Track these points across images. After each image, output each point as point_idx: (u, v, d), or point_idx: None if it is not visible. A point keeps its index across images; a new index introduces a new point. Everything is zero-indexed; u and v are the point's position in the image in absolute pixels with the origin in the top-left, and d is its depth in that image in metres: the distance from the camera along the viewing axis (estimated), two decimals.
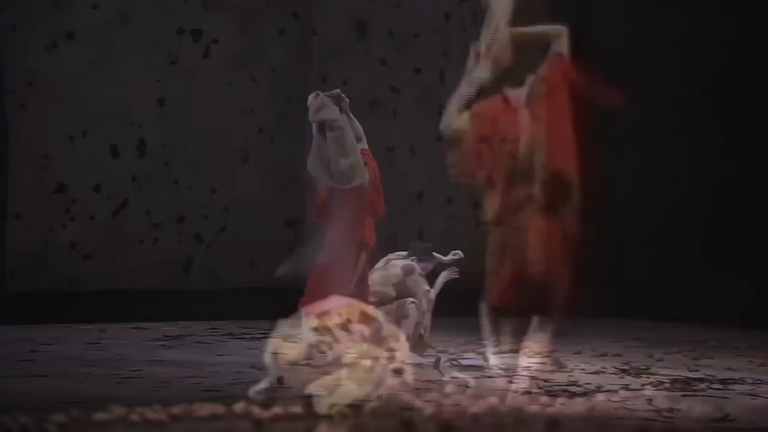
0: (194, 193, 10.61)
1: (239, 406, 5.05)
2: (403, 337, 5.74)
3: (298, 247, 9.50)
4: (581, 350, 8.05)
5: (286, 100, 10.83)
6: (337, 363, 5.54)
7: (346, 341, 5.57)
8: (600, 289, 10.66)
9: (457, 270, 7.78)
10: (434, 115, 11.35)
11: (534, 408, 5.41)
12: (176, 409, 4.95)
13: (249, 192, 10.76)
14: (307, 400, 5.29)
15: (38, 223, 10.16)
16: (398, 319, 7.58)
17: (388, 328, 5.67)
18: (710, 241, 10.52)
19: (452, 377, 5.80)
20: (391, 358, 5.45)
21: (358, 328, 5.63)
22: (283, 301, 10.54)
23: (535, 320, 5.71)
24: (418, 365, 6.70)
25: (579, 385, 6.53)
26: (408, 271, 7.74)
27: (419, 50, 11.32)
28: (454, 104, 5.84)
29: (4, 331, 8.79)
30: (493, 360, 6.61)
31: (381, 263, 7.92)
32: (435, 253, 7.89)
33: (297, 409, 5.12)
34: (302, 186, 10.91)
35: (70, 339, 8.50)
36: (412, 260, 7.80)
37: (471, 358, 7.67)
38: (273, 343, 5.60)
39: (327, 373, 5.48)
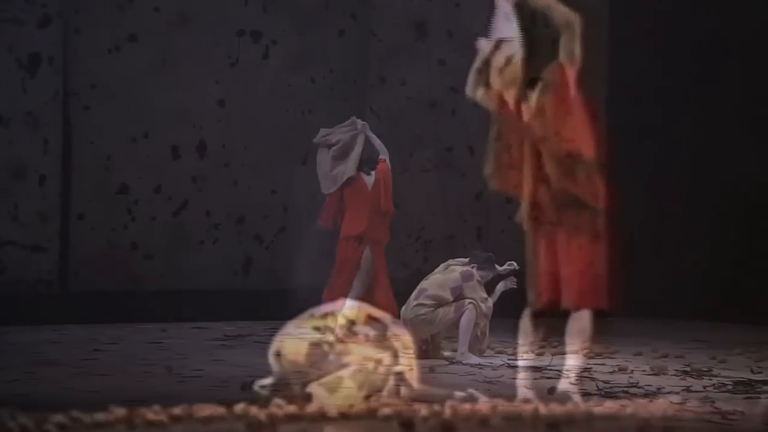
0: (253, 194, 10.71)
1: (239, 408, 5.06)
2: (410, 339, 5.76)
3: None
4: (642, 351, 7.98)
5: (345, 100, 10.95)
6: (339, 363, 5.53)
7: (349, 342, 5.60)
8: (660, 289, 10.63)
9: (515, 280, 7.80)
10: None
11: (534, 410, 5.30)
12: (177, 410, 4.97)
13: (308, 193, 10.75)
14: (308, 400, 5.33)
15: (101, 224, 10.31)
16: (456, 318, 7.63)
17: (394, 330, 5.68)
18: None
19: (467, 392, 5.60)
20: (396, 360, 5.49)
21: (362, 329, 5.66)
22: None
23: (574, 320, 5.66)
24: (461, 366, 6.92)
25: (639, 387, 6.49)
26: (466, 277, 7.78)
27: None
28: (472, 76, 5.85)
29: (69, 330, 8.91)
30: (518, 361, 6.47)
31: (441, 267, 7.99)
32: (496, 264, 7.94)
33: (296, 409, 5.14)
34: None
35: (132, 338, 8.60)
36: (472, 267, 7.84)
37: (529, 359, 7.62)
38: (277, 343, 5.66)
39: (328, 373, 5.49)
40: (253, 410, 5.01)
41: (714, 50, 10.93)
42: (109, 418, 4.84)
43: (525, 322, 5.74)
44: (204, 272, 10.43)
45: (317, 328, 5.66)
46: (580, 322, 5.62)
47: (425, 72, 11.14)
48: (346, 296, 8.06)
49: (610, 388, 6.40)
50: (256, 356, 7.65)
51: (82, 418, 4.80)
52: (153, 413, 4.92)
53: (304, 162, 10.85)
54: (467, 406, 5.26)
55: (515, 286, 7.75)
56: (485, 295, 7.73)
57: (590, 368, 7.12)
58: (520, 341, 5.77)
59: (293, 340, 5.69)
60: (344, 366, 5.45)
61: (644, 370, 7.21)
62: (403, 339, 5.62)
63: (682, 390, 6.43)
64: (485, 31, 11.32)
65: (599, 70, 11.67)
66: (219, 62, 10.60)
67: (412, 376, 5.51)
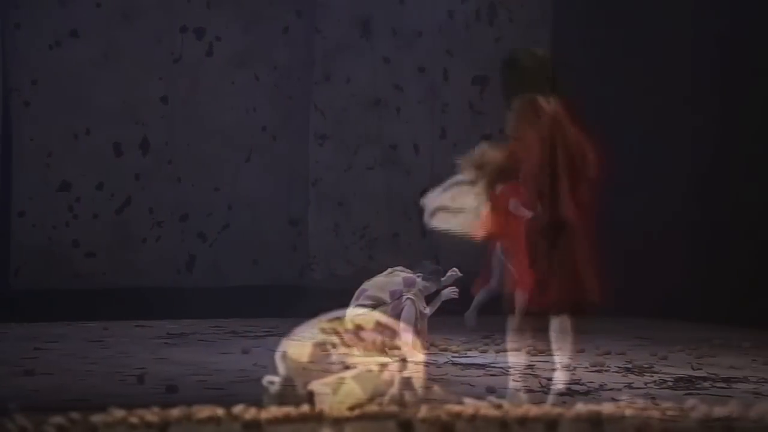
0: (197, 191, 10.60)
1: (238, 409, 5.05)
2: (419, 346, 5.92)
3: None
4: (584, 348, 7.99)
5: (289, 98, 10.87)
6: (342, 364, 5.60)
7: (355, 346, 5.67)
8: (605, 286, 10.68)
9: (456, 290, 7.74)
10: (438, 113, 11.43)
11: (535, 409, 5.39)
12: (175, 412, 4.97)
13: (252, 190, 10.77)
14: (309, 400, 5.34)
15: (42, 222, 10.14)
16: (395, 315, 7.61)
17: (403, 336, 5.86)
18: (713, 239, 10.51)
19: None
20: (402, 366, 5.57)
21: (369, 335, 5.76)
22: (286, 298, 10.64)
23: (558, 320, 5.82)
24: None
25: (582, 384, 6.49)
26: (409, 284, 7.67)
27: (423, 48, 11.32)
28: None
29: (9, 328, 8.74)
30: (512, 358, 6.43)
31: (386, 272, 7.90)
32: (442, 279, 7.81)
33: (296, 410, 5.14)
34: (305, 184, 10.96)
35: (73, 337, 8.51)
36: (418, 276, 7.75)
37: (473, 357, 7.66)
38: (284, 344, 5.71)
39: (331, 373, 5.53)
40: (252, 411, 5.00)
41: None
42: (108, 420, 4.84)
43: (515, 323, 5.82)
44: (147, 270, 10.31)
45: (323, 330, 5.67)
46: (564, 323, 5.75)
47: (370, 70, 11.06)
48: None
49: (554, 386, 6.29)
50: (200, 354, 7.63)
51: (80, 420, 4.80)
52: (151, 414, 4.91)
53: (248, 159, 10.81)
54: (467, 407, 5.28)
55: (456, 297, 7.72)
56: (425, 306, 7.62)
57: (533, 365, 7.15)
58: (513, 342, 5.91)
59: (298, 341, 5.73)
60: (347, 368, 5.51)
61: (586, 367, 7.21)
62: (413, 347, 5.79)
63: (624, 387, 6.43)
64: (430, 28, 11.43)
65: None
66: (162, 59, 10.47)
67: (418, 382, 5.59)
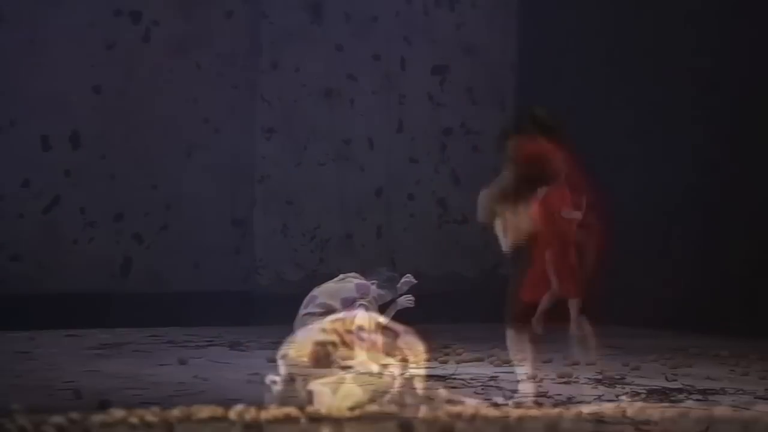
0: (133, 189, 10.60)
1: (238, 409, 5.40)
2: (421, 348, 6.18)
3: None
4: (552, 358, 7.97)
5: (234, 87, 10.92)
6: (342, 365, 6.00)
7: (355, 347, 6.04)
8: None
9: (412, 298, 7.83)
10: (395, 105, 11.44)
11: (533, 412, 5.79)
12: (176, 412, 5.34)
13: (193, 188, 10.79)
14: (309, 400, 5.71)
15: None
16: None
17: (405, 339, 6.11)
18: (686, 245, 10.61)
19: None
20: (404, 368, 5.97)
21: (370, 336, 6.08)
22: (230, 305, 10.59)
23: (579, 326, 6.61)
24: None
25: (549, 397, 6.52)
26: (362, 291, 7.75)
27: (378, 35, 11.34)
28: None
29: None
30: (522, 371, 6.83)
31: (337, 279, 7.99)
32: (398, 287, 7.91)
33: (295, 411, 5.47)
34: (251, 182, 10.93)
35: None
36: (372, 283, 7.83)
37: (433, 368, 7.68)
38: (286, 344, 6.13)
39: (331, 373, 5.93)
40: (252, 412, 5.39)
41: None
42: (108, 420, 5.17)
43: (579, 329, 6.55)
44: (78, 274, 10.31)
45: (324, 330, 6.08)
46: (585, 327, 6.50)
47: (321, 58, 11.12)
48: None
49: (520, 398, 6.45)
50: (135, 366, 7.60)
51: (80, 420, 5.12)
52: (151, 415, 5.27)
53: (189, 154, 10.85)
54: (467, 408, 5.69)
55: (412, 305, 7.81)
56: (378, 315, 7.63)
57: (497, 377, 7.21)
58: (520, 353, 6.48)
59: (299, 340, 6.14)
60: (347, 368, 5.92)
61: (553, 379, 7.26)
62: (415, 348, 6.07)
63: (594, 399, 6.47)
64: (386, 13, 11.43)
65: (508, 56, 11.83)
66: (94, 45, 10.40)
67: (420, 384, 5.97)
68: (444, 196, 11.57)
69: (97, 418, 5.15)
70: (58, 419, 5.05)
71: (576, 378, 7.31)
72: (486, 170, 11.62)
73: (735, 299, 10.16)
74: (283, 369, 5.97)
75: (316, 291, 7.86)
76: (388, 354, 6.02)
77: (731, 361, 8.21)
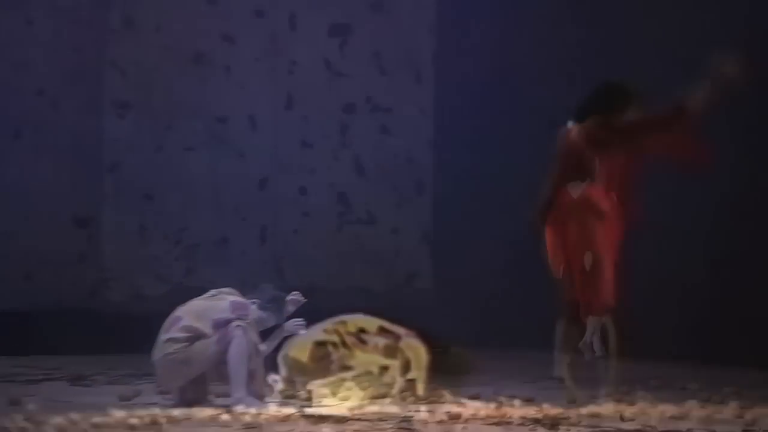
0: None
1: (238, 410, 6.59)
2: (423, 351, 7.18)
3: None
4: (479, 393, 7.95)
5: (75, 51, 10.69)
6: (343, 365, 7.09)
7: (356, 349, 7.14)
8: (519, 319, 10.80)
9: (303, 323, 7.85)
10: (282, 74, 11.36)
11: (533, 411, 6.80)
12: (176, 412, 6.43)
13: (22, 178, 10.57)
14: (308, 400, 6.85)
15: None
16: (221, 351, 7.56)
17: (407, 342, 7.14)
18: (648, 272, 10.73)
19: None
20: (405, 369, 7.09)
21: (372, 338, 7.18)
22: (71, 328, 10.40)
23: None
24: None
25: None
26: (239, 310, 7.69)
27: None
28: None
29: None
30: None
31: (207, 294, 7.97)
32: (288, 308, 7.92)
33: (294, 411, 6.54)
34: (98, 171, 10.75)
35: None
36: (253, 303, 7.80)
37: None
38: (287, 344, 7.18)
39: (331, 373, 7.06)
40: (252, 412, 6.60)
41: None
42: (108, 421, 6.16)
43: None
44: None
45: (326, 331, 7.14)
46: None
47: (188, 14, 10.99)
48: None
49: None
50: None
51: (80, 421, 6.07)
52: (151, 415, 6.31)
53: (17, 135, 10.66)
54: (467, 408, 6.88)
55: (303, 331, 7.82)
56: (259, 341, 7.69)
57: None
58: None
59: (299, 340, 7.16)
60: (347, 369, 7.09)
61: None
62: (416, 350, 7.17)
63: None
64: None
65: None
66: None
67: (421, 386, 7.07)
68: (345, 190, 11.55)
69: (98, 418, 6.09)
70: (58, 419, 5.99)
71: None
72: (399, 158, 11.79)
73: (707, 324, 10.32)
74: (283, 369, 7.02)
75: (180, 311, 7.79)
76: (389, 356, 7.08)
77: (702, 396, 8.22)
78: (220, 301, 7.77)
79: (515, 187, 11.27)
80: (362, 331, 7.17)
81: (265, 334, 7.74)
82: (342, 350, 7.10)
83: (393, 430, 6.15)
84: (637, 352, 10.19)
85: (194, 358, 7.59)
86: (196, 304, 7.80)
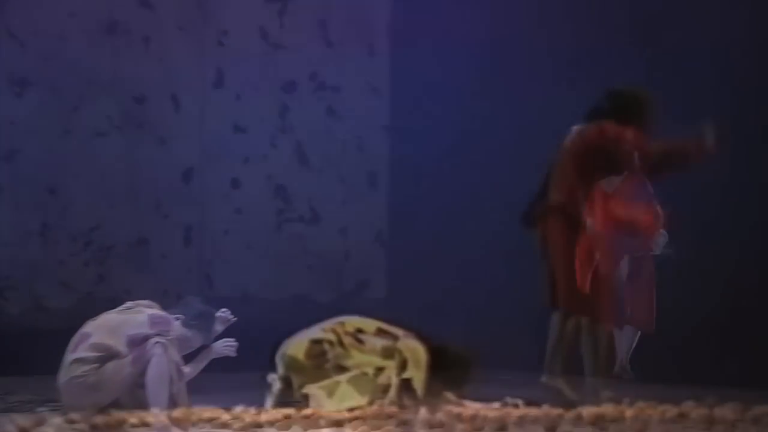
0: None
1: (238, 409, 6.98)
2: (422, 352, 7.53)
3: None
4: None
5: None
6: (338, 365, 7.46)
7: (353, 349, 7.55)
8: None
9: (234, 344, 7.99)
10: (211, 46, 11.35)
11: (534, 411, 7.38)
12: (176, 412, 6.94)
13: None
14: (305, 401, 7.21)
15: None
16: (137, 372, 7.71)
17: (405, 342, 7.52)
18: None
19: None
20: (402, 370, 7.49)
21: (369, 339, 7.61)
22: None
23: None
24: None
25: None
26: (159, 325, 7.78)
27: None
28: None
29: None
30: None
31: (122, 308, 8.05)
32: (216, 327, 8.08)
33: (296, 411, 7.00)
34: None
35: None
36: (176, 319, 7.89)
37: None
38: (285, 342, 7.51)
39: (327, 373, 7.47)
40: (252, 412, 7.00)
41: None
42: (108, 421, 6.68)
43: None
44: None
45: (323, 329, 7.48)
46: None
47: None
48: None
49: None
50: None
51: (80, 420, 6.58)
52: (151, 415, 6.87)
53: None
54: (467, 408, 7.33)
55: (233, 353, 7.99)
56: (182, 362, 7.76)
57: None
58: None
59: (296, 338, 7.47)
60: (343, 369, 7.50)
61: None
62: (414, 350, 7.53)
63: None
64: None
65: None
66: None
67: (420, 386, 7.44)
68: (285, 183, 11.51)
69: (98, 418, 6.63)
70: (58, 419, 6.53)
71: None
72: (348, 145, 11.81)
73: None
74: (281, 368, 7.38)
75: (89, 326, 7.84)
76: (386, 356, 7.52)
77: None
78: (137, 315, 7.87)
79: (482, 180, 11.35)
80: (360, 331, 7.61)
81: (189, 358, 7.82)
82: (338, 349, 7.51)
83: (393, 430, 6.69)
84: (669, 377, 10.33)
85: (106, 382, 7.68)
86: (109, 318, 7.89)
